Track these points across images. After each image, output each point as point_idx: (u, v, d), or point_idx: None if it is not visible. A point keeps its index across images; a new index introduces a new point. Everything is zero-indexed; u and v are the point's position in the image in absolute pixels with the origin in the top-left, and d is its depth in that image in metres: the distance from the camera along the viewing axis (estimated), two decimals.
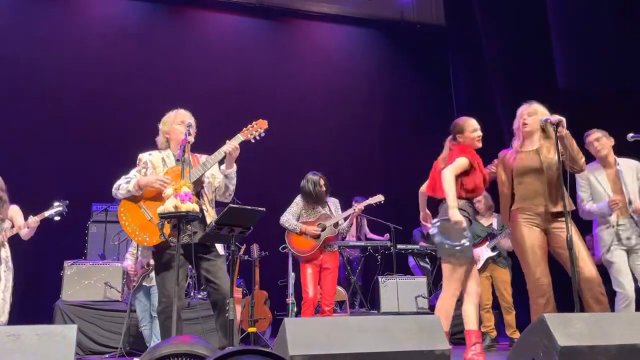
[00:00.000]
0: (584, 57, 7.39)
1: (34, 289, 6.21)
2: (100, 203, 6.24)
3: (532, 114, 3.70)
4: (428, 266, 7.25)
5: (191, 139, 3.41)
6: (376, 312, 6.23)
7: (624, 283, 3.94)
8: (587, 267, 3.30)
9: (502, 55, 7.98)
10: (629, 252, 4.08)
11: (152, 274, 4.75)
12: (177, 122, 3.50)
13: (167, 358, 1.95)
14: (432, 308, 6.30)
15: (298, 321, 2.48)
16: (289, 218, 4.82)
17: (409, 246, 7.06)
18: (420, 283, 6.37)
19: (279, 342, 2.36)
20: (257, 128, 3.53)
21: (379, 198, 5.15)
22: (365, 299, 6.58)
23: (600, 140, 4.21)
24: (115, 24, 8.20)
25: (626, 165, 4.23)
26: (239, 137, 3.46)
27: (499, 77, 7.98)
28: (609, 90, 7.01)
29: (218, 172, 3.53)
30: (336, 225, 4.80)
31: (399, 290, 6.22)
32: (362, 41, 9.67)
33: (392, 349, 2.39)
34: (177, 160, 3.42)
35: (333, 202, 5.00)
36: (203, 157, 3.52)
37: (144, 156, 3.53)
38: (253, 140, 3.50)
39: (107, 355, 5.04)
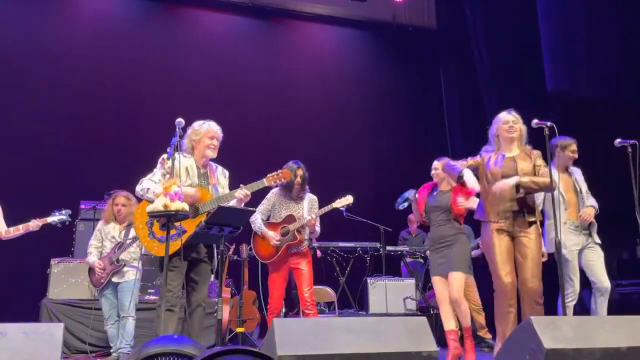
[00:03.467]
0: (573, 61, 7.47)
1: (19, 286, 6.15)
2: (88, 201, 6.18)
3: (518, 122, 3.75)
4: (421, 262, 7.25)
5: (212, 153, 3.66)
6: (364, 313, 6.24)
7: (574, 280, 4.21)
8: (532, 279, 3.50)
9: (492, 59, 8.05)
10: (582, 249, 4.30)
11: (125, 269, 4.62)
12: (208, 136, 3.65)
13: (155, 357, 1.94)
14: (420, 310, 6.32)
15: (287, 321, 2.49)
16: (256, 217, 4.50)
17: (398, 248, 7.08)
18: (408, 285, 6.39)
19: (268, 342, 2.37)
20: (282, 177, 3.74)
21: (348, 200, 4.69)
22: (354, 300, 6.60)
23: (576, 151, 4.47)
24: (106, 21, 8.13)
25: (576, 171, 4.50)
26: (264, 182, 3.69)
27: (489, 80, 8.05)
28: (598, 95, 7.09)
29: (227, 188, 3.74)
30: (299, 229, 4.50)
31: (387, 292, 6.24)
32: (354, 42, 9.69)
33: (380, 349, 2.40)
34: (200, 173, 3.63)
35: (309, 200, 4.65)
36: (219, 169, 3.77)
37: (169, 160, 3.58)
38: (274, 186, 3.84)
39: (93, 354, 5.00)
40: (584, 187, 4.42)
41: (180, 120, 3.39)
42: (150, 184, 3.45)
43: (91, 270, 4.75)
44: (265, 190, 4.64)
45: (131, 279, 4.64)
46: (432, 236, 4.33)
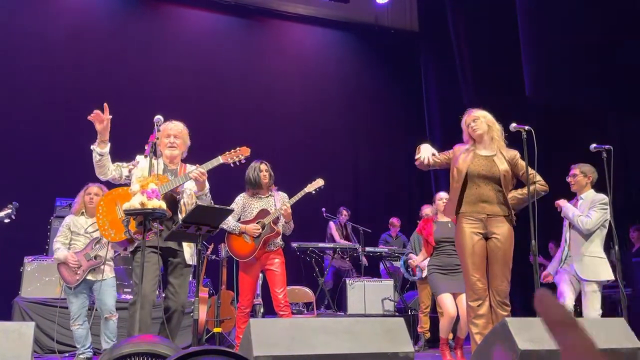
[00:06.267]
0: (552, 68, 7.59)
1: None
2: (64, 198, 6.07)
3: (477, 118, 3.72)
4: (399, 267, 7.31)
5: (169, 151, 3.58)
6: (343, 314, 6.25)
7: (562, 297, 4.33)
8: (500, 279, 3.50)
9: (473, 64, 8.14)
10: (576, 279, 4.39)
11: (103, 267, 4.33)
12: (164, 135, 3.61)
13: (128, 357, 1.91)
14: (398, 311, 6.36)
15: (263, 322, 2.47)
16: (228, 219, 4.32)
17: (377, 249, 7.11)
18: (387, 286, 6.42)
19: (244, 343, 2.35)
20: (239, 154, 3.59)
21: (319, 183, 4.64)
22: (333, 300, 6.61)
23: (576, 177, 4.44)
24: (86, 16, 8.02)
25: (587, 199, 4.40)
26: (219, 160, 3.52)
27: (469, 85, 8.14)
28: (575, 101, 7.21)
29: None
30: (275, 221, 4.42)
31: (366, 293, 6.26)
32: (336, 44, 9.71)
33: (357, 350, 2.40)
34: (167, 169, 3.57)
35: (281, 197, 4.57)
36: (191, 168, 3.62)
37: (140, 157, 3.60)
38: (232, 165, 3.55)
39: (67, 354, 4.91)
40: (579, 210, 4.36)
41: (159, 117, 3.34)
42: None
43: (62, 266, 4.40)
44: (232, 194, 4.61)
45: (110, 276, 4.46)
46: (441, 262, 4.71)
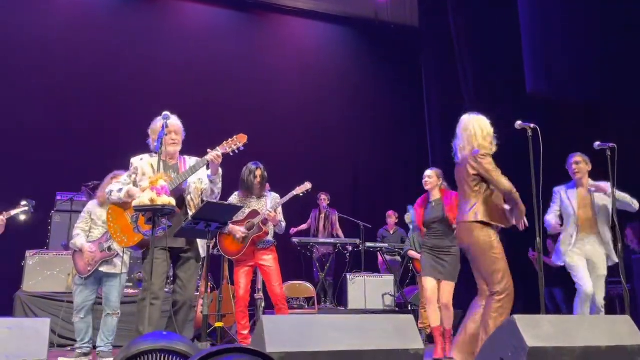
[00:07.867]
0: (553, 64, 7.60)
1: None
2: (65, 192, 6.05)
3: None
4: (398, 260, 7.32)
5: (177, 147, 3.62)
6: (344, 308, 6.27)
7: (583, 282, 4.33)
8: None
9: (473, 59, 8.14)
10: (589, 262, 4.43)
11: (115, 260, 4.29)
12: (166, 132, 3.51)
13: (145, 354, 1.92)
14: (399, 306, 6.39)
15: (275, 319, 2.49)
16: None
17: (378, 244, 7.14)
18: (387, 281, 6.45)
19: (256, 339, 2.36)
20: (237, 142, 3.59)
21: (306, 187, 4.77)
22: (334, 295, 6.64)
23: (579, 165, 4.54)
24: (84, 9, 7.96)
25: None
26: (218, 151, 3.53)
27: (469, 80, 8.14)
28: (576, 98, 7.23)
29: (205, 176, 3.63)
30: (264, 222, 4.51)
31: (366, 288, 6.29)
32: (336, 38, 9.70)
33: (368, 347, 2.42)
34: (168, 166, 3.56)
35: (272, 198, 4.67)
36: (192, 160, 3.63)
37: (135, 161, 3.61)
38: (232, 154, 3.57)
39: (69, 348, 4.91)
40: (602, 200, 4.43)
41: (166, 114, 3.34)
42: (115, 186, 3.52)
43: (77, 254, 4.33)
44: (226, 194, 4.62)
45: (122, 272, 4.35)
46: (429, 243, 4.66)
